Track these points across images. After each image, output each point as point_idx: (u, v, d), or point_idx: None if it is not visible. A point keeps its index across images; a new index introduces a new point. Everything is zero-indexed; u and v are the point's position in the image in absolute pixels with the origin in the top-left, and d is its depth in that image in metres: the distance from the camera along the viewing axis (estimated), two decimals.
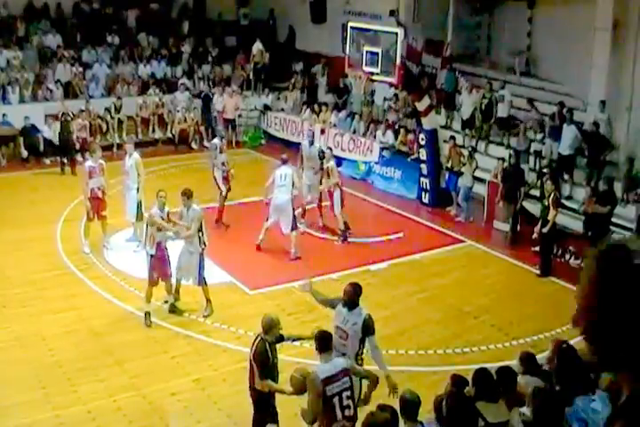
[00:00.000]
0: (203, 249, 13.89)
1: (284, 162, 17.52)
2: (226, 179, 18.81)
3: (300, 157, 19.00)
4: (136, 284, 15.04)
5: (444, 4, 24.40)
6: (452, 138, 20.68)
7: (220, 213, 18.78)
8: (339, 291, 14.02)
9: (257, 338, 9.38)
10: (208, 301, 14.03)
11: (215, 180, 18.73)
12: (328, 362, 8.47)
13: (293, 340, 10.48)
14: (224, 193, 18.74)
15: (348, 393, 8.41)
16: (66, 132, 23.24)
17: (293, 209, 16.99)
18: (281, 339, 9.59)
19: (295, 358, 11.96)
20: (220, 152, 18.81)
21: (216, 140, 19.18)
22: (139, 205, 17.00)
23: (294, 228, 16.92)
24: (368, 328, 9.82)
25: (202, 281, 13.93)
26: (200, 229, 13.82)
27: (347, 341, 9.77)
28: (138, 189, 17.00)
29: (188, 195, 13.86)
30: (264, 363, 9.23)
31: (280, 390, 9.32)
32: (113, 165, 18.45)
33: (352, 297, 9.92)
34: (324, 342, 8.61)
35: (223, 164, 18.73)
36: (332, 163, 18.26)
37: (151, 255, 13.69)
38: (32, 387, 11.49)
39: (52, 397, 11.25)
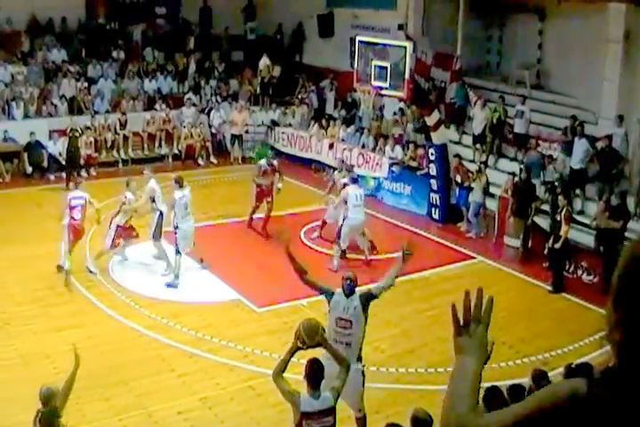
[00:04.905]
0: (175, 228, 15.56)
1: (355, 181, 17.70)
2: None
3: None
4: (141, 301, 14.92)
5: (453, 17, 24.25)
6: (458, 156, 20.44)
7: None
8: None
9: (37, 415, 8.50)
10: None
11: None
12: (316, 398, 7.96)
13: None
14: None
15: None
16: (74, 148, 23.13)
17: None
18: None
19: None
20: None
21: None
22: (157, 225, 16.60)
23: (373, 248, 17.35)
24: (368, 297, 10.03)
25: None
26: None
27: (351, 329, 9.81)
28: (161, 213, 16.49)
29: (179, 183, 15.65)
30: None
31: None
32: (116, 181, 18.27)
33: (356, 283, 10.10)
34: (316, 378, 8.00)
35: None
36: None
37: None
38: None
39: None
